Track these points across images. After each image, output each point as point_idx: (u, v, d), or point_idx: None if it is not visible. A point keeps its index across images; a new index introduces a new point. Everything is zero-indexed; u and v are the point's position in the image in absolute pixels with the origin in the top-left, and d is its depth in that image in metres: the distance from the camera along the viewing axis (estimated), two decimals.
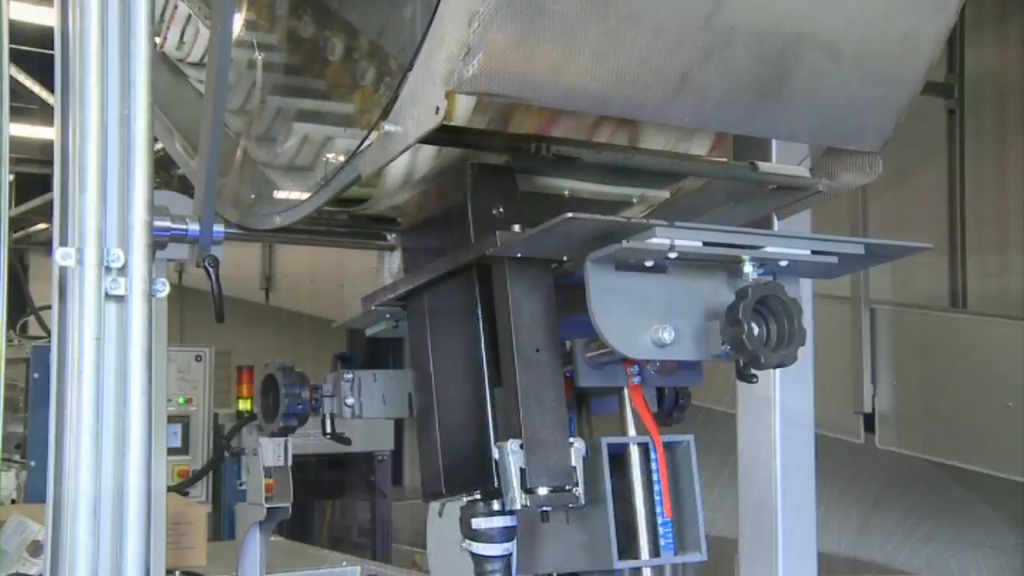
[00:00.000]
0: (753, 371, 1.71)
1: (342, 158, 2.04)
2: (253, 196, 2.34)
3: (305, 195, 2.07)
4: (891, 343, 4.95)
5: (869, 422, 4.97)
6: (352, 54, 2.09)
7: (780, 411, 2.89)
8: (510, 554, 1.82)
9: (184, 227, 2.07)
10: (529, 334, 1.74)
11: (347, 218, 2.39)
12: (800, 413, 2.91)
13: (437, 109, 1.54)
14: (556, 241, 1.68)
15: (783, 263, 1.74)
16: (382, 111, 1.72)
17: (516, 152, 1.86)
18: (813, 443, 2.97)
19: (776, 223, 2.28)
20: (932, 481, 5.39)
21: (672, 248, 1.61)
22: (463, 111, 1.87)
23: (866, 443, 5.00)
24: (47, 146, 7.21)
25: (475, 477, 1.81)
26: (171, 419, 5.76)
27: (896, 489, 5.65)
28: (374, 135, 1.73)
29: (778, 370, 2.23)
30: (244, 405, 6.24)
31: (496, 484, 1.73)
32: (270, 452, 3.14)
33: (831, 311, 4.84)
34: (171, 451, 5.73)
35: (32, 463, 5.06)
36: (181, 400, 6.02)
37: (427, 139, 1.63)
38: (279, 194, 2.27)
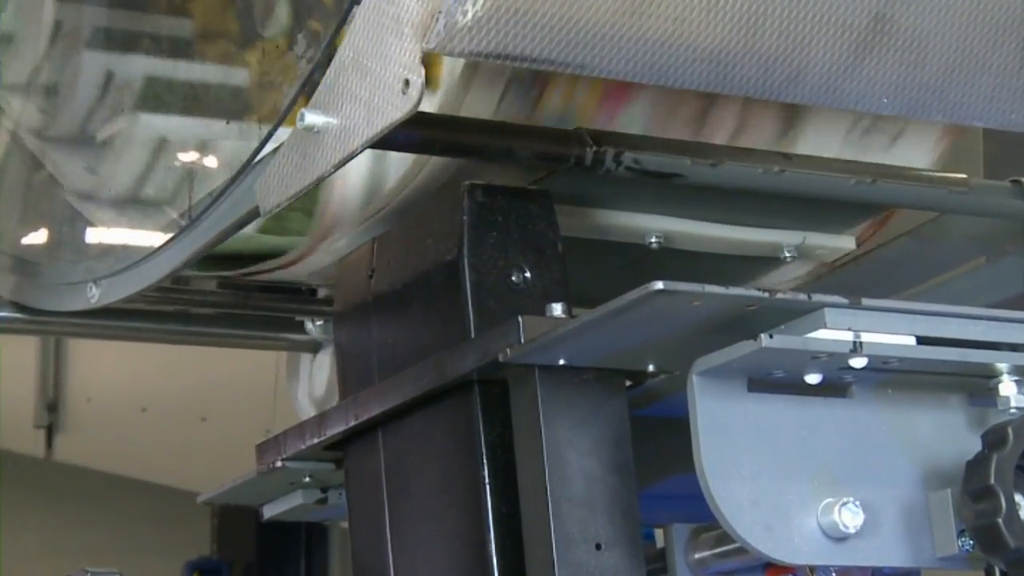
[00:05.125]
0: None
1: (215, 162, 2.11)
2: (46, 245, 2.39)
3: (149, 245, 2.12)
4: None
5: None
6: None
7: None
8: None
9: None
10: (581, 513, 1.77)
11: (223, 291, 2.44)
12: None
13: (406, 85, 1.58)
14: (633, 334, 1.71)
15: None
16: (299, 88, 1.77)
17: (556, 163, 1.91)
18: None
19: None
20: None
21: (859, 349, 1.63)
22: (454, 88, 1.93)
23: None
24: None
25: None
26: None
27: None
28: (285, 132, 1.78)
29: None
30: None
31: None
32: None
33: None
34: None
35: None
36: None
37: (388, 140, 1.67)
38: (94, 240, 2.32)
